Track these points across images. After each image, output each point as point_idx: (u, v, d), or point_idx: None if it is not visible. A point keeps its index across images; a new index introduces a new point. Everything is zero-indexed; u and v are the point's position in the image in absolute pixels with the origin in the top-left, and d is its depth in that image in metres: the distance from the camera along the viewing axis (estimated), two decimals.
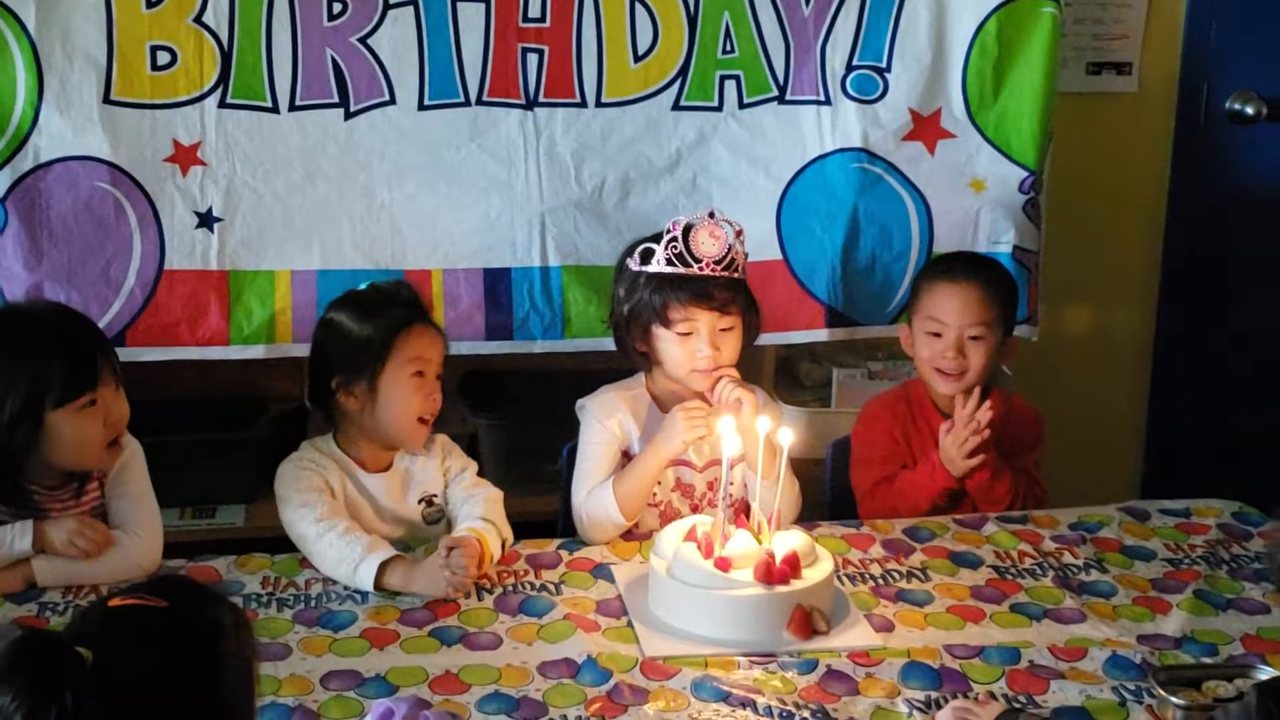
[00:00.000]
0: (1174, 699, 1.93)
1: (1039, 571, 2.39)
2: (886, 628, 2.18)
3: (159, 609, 1.36)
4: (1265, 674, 1.97)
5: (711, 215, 2.45)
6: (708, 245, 2.42)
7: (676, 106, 2.94)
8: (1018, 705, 1.96)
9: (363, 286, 2.53)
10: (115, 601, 1.37)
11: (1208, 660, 2.11)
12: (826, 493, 2.83)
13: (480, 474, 2.54)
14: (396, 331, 2.39)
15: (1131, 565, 2.43)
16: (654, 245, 2.46)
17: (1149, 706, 1.97)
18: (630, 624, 2.16)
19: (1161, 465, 3.74)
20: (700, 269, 2.43)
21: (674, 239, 2.43)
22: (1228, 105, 3.60)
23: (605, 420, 2.52)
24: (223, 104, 2.78)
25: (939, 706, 1.94)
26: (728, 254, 2.44)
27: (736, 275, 2.47)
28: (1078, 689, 2.01)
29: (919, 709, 1.94)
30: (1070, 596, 2.29)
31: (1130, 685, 2.02)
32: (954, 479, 2.59)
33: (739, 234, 2.47)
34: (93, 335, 2.31)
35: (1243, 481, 2.76)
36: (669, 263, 2.44)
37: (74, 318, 2.34)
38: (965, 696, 1.98)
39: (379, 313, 2.42)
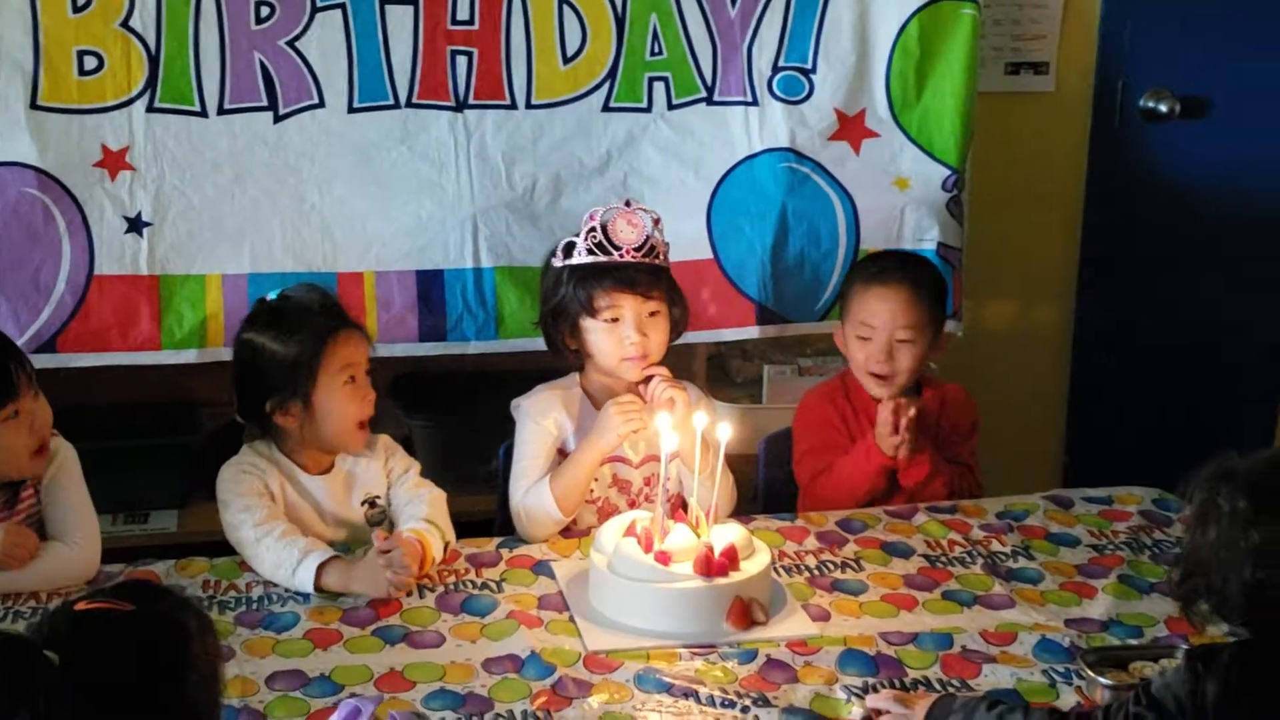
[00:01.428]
0: (1102, 679, 2.00)
1: (968, 559, 2.45)
2: (823, 617, 2.22)
3: (125, 612, 1.37)
4: None
5: (628, 204, 2.50)
6: (626, 233, 2.46)
7: (606, 108, 2.97)
8: (949, 693, 2.01)
9: (271, 296, 2.50)
10: (81, 605, 1.38)
11: (1133, 642, 2.17)
12: (760, 487, 2.87)
13: None
14: (322, 344, 2.38)
15: (1057, 552, 2.49)
16: (575, 239, 2.49)
17: (1078, 688, 2.03)
18: (572, 619, 2.19)
19: (1083, 455, 3.83)
20: (621, 256, 2.47)
21: (593, 229, 2.47)
22: (1142, 103, 3.70)
23: (540, 419, 2.55)
24: (151, 108, 2.76)
25: (875, 692, 1.99)
26: (647, 241, 2.49)
27: (658, 262, 2.51)
28: (1009, 672, 2.07)
29: (856, 695, 1.99)
30: (999, 583, 2.35)
31: (1060, 667, 2.08)
32: (890, 457, 2.64)
33: (656, 222, 2.52)
34: (3, 347, 2.28)
35: (1161, 469, 2.82)
36: (590, 252, 2.48)
37: None
38: (900, 683, 2.03)
39: (299, 328, 2.40)
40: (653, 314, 2.52)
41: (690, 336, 2.93)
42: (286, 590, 2.26)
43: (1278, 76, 3.66)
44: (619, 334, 2.50)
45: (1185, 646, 2.09)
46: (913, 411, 2.60)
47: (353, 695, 1.89)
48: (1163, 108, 3.68)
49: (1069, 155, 3.72)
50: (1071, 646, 2.14)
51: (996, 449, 3.23)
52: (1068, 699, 2.00)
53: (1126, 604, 2.30)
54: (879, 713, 1.94)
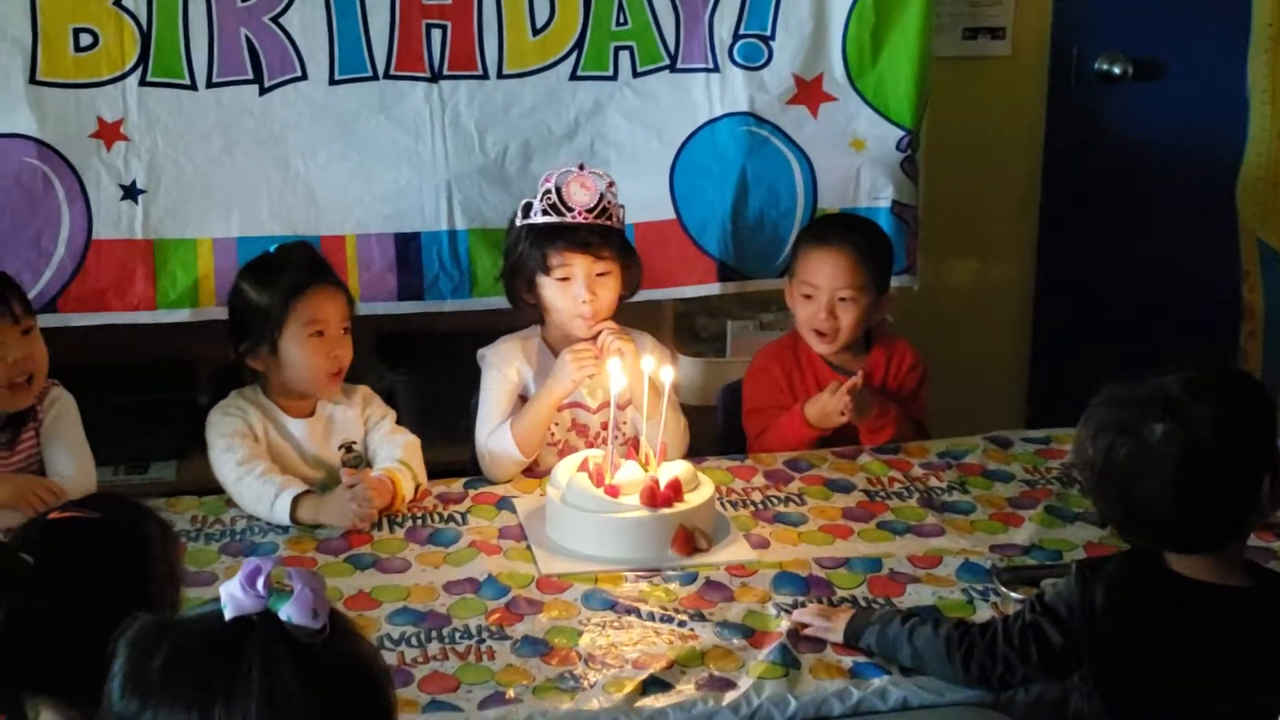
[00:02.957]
0: (1014, 594, 2.17)
1: (906, 494, 2.61)
2: (762, 545, 2.39)
3: (93, 520, 1.54)
4: None
5: (581, 167, 2.66)
6: (579, 195, 2.63)
7: (574, 77, 3.12)
8: (869, 606, 2.18)
9: (271, 249, 2.70)
10: (54, 515, 1.56)
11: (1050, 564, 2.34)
12: (718, 432, 3.04)
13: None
14: (291, 297, 2.54)
15: (991, 486, 2.66)
16: (533, 200, 2.66)
17: (994, 603, 2.20)
18: (529, 547, 2.37)
19: (1045, 406, 3.98)
20: (574, 217, 2.63)
21: (548, 191, 2.64)
22: (1096, 66, 3.83)
23: (503, 367, 2.72)
24: (143, 82, 2.93)
25: (803, 608, 2.16)
26: (599, 203, 2.64)
27: (610, 224, 2.67)
28: (930, 591, 2.24)
29: (785, 611, 2.16)
30: (932, 514, 2.52)
31: (979, 587, 2.25)
32: (816, 430, 2.79)
33: (610, 185, 2.68)
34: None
35: None
36: (545, 213, 2.64)
37: None
38: (828, 600, 2.21)
39: (276, 280, 2.58)
40: (603, 274, 2.68)
41: (656, 293, 3.11)
42: (267, 524, 2.44)
43: (1226, 38, 3.79)
44: (571, 292, 2.67)
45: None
46: (854, 381, 2.74)
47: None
48: (1116, 70, 3.82)
49: (1026, 117, 3.87)
50: (991, 568, 2.31)
51: (960, 402, 3.39)
52: (984, 614, 2.16)
53: (1050, 531, 2.46)
54: (804, 625, 2.11)
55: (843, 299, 2.83)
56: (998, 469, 2.74)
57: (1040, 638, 1.89)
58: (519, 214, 2.70)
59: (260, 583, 1.16)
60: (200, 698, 1.14)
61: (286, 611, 1.16)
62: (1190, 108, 3.81)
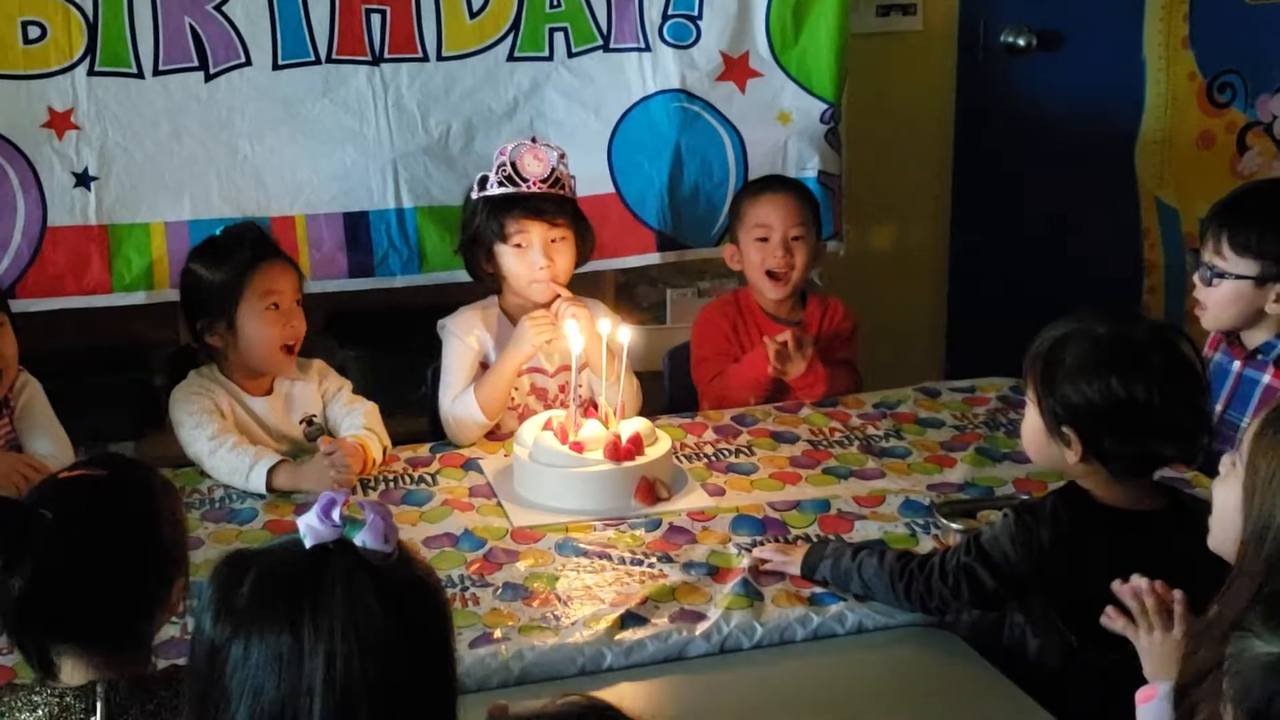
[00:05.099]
0: (954, 525, 2.34)
1: (846, 442, 2.78)
2: (719, 493, 2.55)
3: (102, 476, 1.64)
4: None
5: (534, 140, 2.80)
6: (533, 166, 2.76)
7: (511, 58, 3.24)
8: (823, 539, 2.35)
9: (216, 232, 2.79)
10: (63, 474, 1.65)
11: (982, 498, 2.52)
12: (666, 394, 3.19)
13: None
14: (245, 272, 2.64)
15: (924, 433, 2.84)
16: (489, 174, 2.79)
17: (935, 535, 2.38)
18: (499, 503, 2.50)
19: (960, 358, 4.18)
20: (528, 187, 2.76)
21: (503, 163, 2.77)
22: (1002, 38, 4.02)
23: (464, 335, 2.85)
24: (91, 72, 2.99)
25: (761, 546, 2.32)
26: (552, 173, 2.78)
27: (563, 193, 2.81)
28: (877, 526, 2.41)
29: (745, 550, 2.32)
30: (872, 460, 2.70)
31: (920, 521, 2.43)
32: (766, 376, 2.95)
33: (562, 157, 2.82)
34: None
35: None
36: (501, 184, 2.77)
37: None
38: (784, 539, 2.37)
39: (228, 257, 2.67)
40: (558, 240, 2.82)
41: (597, 264, 3.24)
42: (244, 491, 2.54)
43: (1123, 9, 4.01)
44: (528, 258, 2.80)
45: (1025, 498, 2.45)
46: (786, 337, 2.90)
47: None
48: (1021, 42, 4.01)
49: (938, 88, 4.05)
50: (931, 505, 2.48)
51: (884, 356, 3.56)
52: (926, 545, 2.34)
53: (981, 470, 2.65)
54: (764, 561, 2.27)
55: (795, 238, 3.02)
56: (929, 416, 2.92)
57: (972, 579, 2.06)
58: (475, 187, 2.82)
59: (335, 514, 1.28)
60: (291, 618, 1.23)
61: (361, 538, 1.27)
62: (1091, 76, 4.02)
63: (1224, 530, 1.72)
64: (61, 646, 1.58)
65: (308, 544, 1.28)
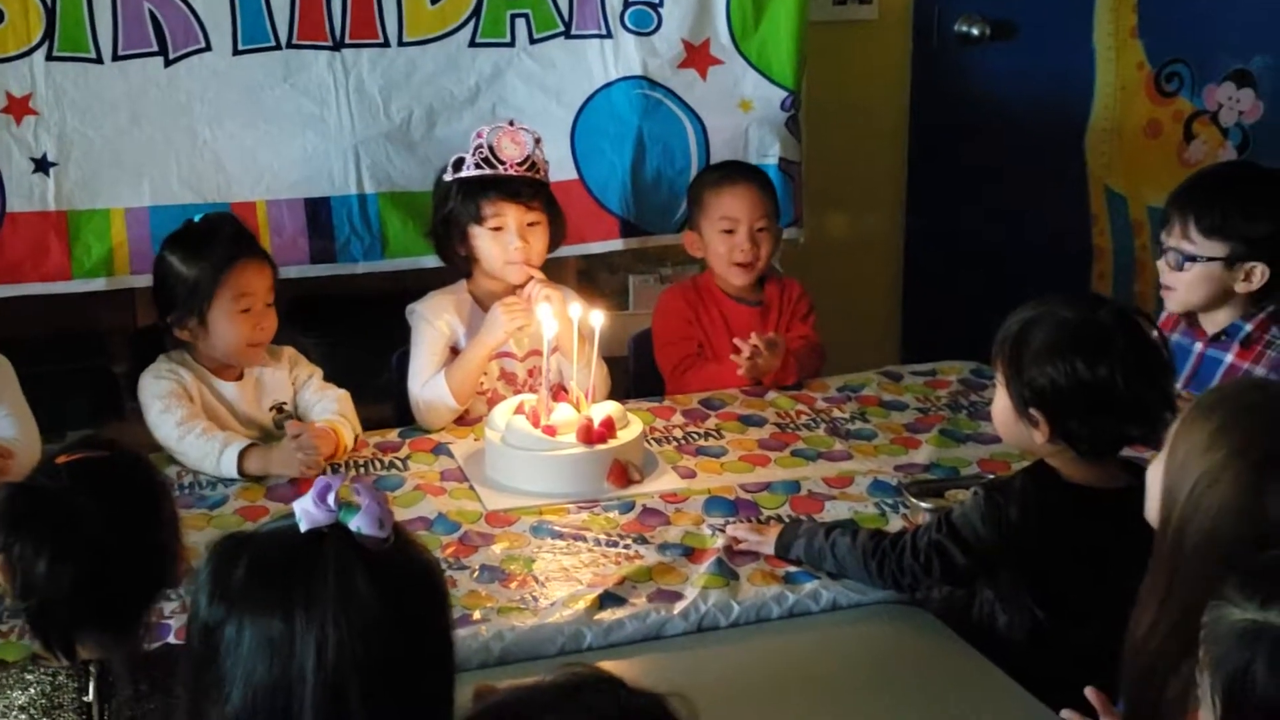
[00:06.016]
0: (922, 504, 2.38)
1: (813, 425, 2.82)
2: (690, 475, 2.57)
3: (106, 458, 1.63)
4: None
5: (511, 124, 2.81)
6: (510, 149, 2.77)
7: (473, 44, 3.24)
8: (796, 519, 2.37)
9: (196, 219, 2.76)
10: (62, 458, 1.63)
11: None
12: (630, 379, 3.21)
13: None
14: (221, 271, 2.62)
15: (889, 415, 2.88)
16: (464, 155, 2.79)
17: (904, 515, 2.41)
18: (472, 487, 2.51)
19: (916, 341, 4.24)
20: (505, 169, 2.77)
21: (480, 145, 2.78)
22: (956, 28, 4.07)
23: (435, 320, 2.85)
24: (50, 57, 2.95)
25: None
26: (528, 158, 2.79)
27: (539, 177, 2.82)
28: (847, 506, 2.45)
29: (719, 531, 2.34)
30: (840, 442, 2.73)
31: (889, 501, 2.47)
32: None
33: (538, 142, 2.83)
34: None
35: (982, 348, 3.21)
36: (477, 166, 2.78)
37: None
38: (756, 519, 2.39)
39: (204, 253, 2.64)
40: (533, 223, 2.83)
41: (562, 250, 3.23)
42: (214, 476, 2.53)
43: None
44: (503, 240, 2.80)
45: (991, 478, 2.49)
46: (757, 343, 2.92)
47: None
48: (975, 31, 4.06)
49: (893, 77, 4.10)
50: (899, 485, 2.52)
51: (842, 339, 3.59)
52: (895, 524, 2.37)
53: (946, 451, 2.69)
54: (738, 540, 2.30)
55: (760, 229, 3.05)
56: (893, 399, 2.96)
57: (943, 556, 2.10)
58: (449, 169, 2.82)
59: (330, 498, 1.28)
60: (283, 603, 1.24)
61: (356, 523, 1.27)
62: (1043, 65, 4.07)
63: (1153, 509, 1.78)
64: (83, 630, 1.57)
65: (303, 528, 1.28)
